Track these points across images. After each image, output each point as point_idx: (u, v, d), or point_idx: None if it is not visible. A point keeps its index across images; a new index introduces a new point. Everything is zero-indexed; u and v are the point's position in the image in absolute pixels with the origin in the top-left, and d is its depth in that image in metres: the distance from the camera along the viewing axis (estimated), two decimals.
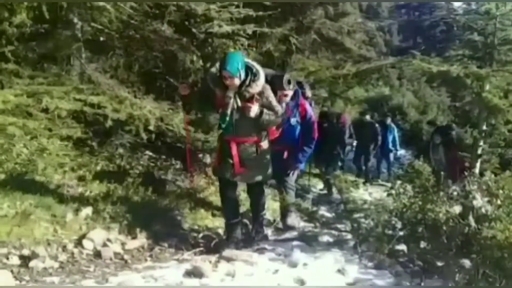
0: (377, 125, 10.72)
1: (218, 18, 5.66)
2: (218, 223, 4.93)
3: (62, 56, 5.13)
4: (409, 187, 3.99)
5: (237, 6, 5.59)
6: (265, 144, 4.19)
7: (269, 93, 4.02)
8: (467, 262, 3.48)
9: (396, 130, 11.58)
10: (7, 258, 3.16)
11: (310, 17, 9.47)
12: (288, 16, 8.70)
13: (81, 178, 4.74)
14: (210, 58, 6.65)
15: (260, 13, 6.12)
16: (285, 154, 4.95)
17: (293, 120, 4.85)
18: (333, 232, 4.59)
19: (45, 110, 4.46)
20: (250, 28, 6.01)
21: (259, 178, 4.25)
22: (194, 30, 5.81)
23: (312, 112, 5.06)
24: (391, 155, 11.35)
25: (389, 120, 11.55)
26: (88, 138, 5.26)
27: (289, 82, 4.42)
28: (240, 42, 6.79)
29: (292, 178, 5.04)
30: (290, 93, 4.64)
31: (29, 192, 4.01)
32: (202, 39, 6.02)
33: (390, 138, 11.19)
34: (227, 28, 5.67)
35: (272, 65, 9.12)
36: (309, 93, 5.20)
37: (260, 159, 4.17)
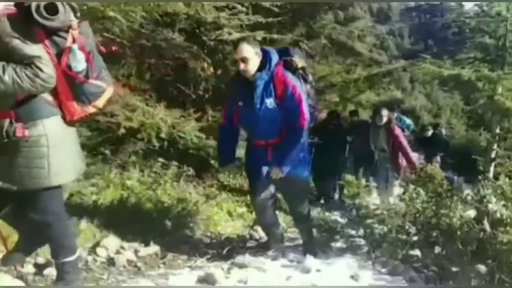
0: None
1: (228, 25, 5.70)
2: (230, 230, 4.94)
3: None
4: (422, 191, 3.97)
5: (247, 13, 5.63)
6: (29, 128, 2.42)
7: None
8: (482, 268, 3.43)
9: (406, 123, 10.08)
10: (22, 266, 3.19)
11: (320, 22, 9.49)
12: (298, 22, 8.73)
13: (94, 186, 4.79)
14: (220, 65, 6.70)
15: (270, 19, 6.15)
16: (269, 153, 3.69)
17: (269, 102, 3.49)
18: (346, 237, 4.56)
19: None
20: (259, 35, 6.04)
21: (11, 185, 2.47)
22: (204, 37, 5.88)
23: (300, 88, 3.57)
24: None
25: (395, 115, 9.74)
26: (101, 146, 5.32)
27: (50, 9, 2.34)
28: None
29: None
30: (245, 54, 3.41)
31: None
32: (213, 47, 6.08)
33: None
34: (236, 35, 5.71)
35: None
36: (301, 62, 3.76)
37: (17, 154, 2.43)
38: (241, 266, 3.63)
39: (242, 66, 3.48)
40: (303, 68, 3.75)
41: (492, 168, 4.55)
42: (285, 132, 3.59)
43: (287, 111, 3.53)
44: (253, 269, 3.58)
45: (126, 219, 4.25)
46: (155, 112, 5.05)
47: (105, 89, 2.64)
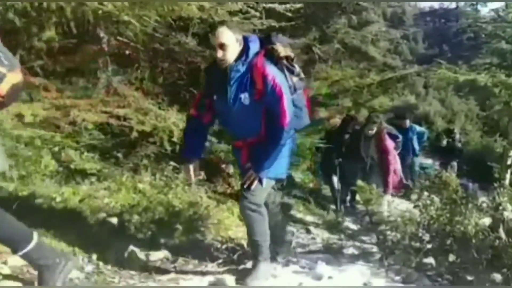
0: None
1: (241, 29, 5.69)
2: (241, 234, 4.91)
3: (89, 69, 5.27)
4: (436, 198, 3.91)
5: (260, 18, 5.62)
6: None
7: None
8: (497, 276, 3.37)
9: (416, 131, 9.55)
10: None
11: (333, 27, 9.48)
12: (311, 26, 8.73)
13: (106, 189, 4.81)
14: None
15: (283, 23, 6.13)
16: (243, 155, 3.32)
17: (243, 97, 3.06)
18: (359, 244, 4.51)
19: (73, 123, 4.57)
20: None
21: None
22: None
23: (282, 80, 3.10)
24: (416, 163, 9.61)
25: (407, 123, 9.32)
26: (114, 150, 5.35)
27: None
28: None
29: (254, 194, 3.17)
30: (224, 41, 3.01)
31: (56, 203, 4.09)
32: None
33: (414, 143, 9.35)
34: None
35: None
36: (284, 51, 3.21)
37: None
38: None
39: (220, 54, 3.04)
40: (288, 58, 3.23)
41: (508, 176, 4.48)
42: (264, 133, 3.16)
43: (269, 107, 3.09)
44: None
45: (138, 223, 4.26)
46: (167, 115, 5.07)
47: (5, 75, 2.41)
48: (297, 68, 3.30)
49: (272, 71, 3.07)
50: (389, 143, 6.49)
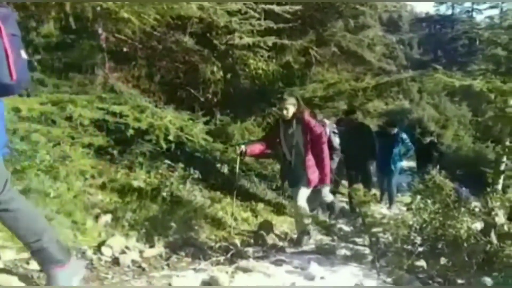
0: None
1: (239, 30, 5.75)
2: (234, 234, 4.93)
3: (86, 65, 5.26)
4: (429, 202, 3.95)
5: (258, 19, 5.66)
6: None
7: None
8: (488, 280, 3.41)
9: (404, 142, 8.77)
10: (28, 263, 3.20)
11: (330, 30, 9.54)
12: (308, 29, 8.78)
13: (101, 186, 4.80)
14: (230, 69, 6.74)
15: (281, 25, 6.18)
16: None
17: None
18: (351, 246, 4.54)
19: (69, 118, 4.56)
20: (270, 40, 6.07)
21: None
22: (215, 41, 5.92)
23: None
24: (395, 171, 8.73)
25: (395, 131, 8.71)
26: (109, 146, 5.33)
27: None
28: (260, 53, 6.87)
29: None
30: None
31: (51, 198, 4.07)
32: (223, 51, 6.12)
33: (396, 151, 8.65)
34: (247, 40, 5.76)
35: (292, 77, 9.21)
36: None
37: None
38: (245, 270, 3.62)
39: None
40: None
41: (501, 181, 4.54)
42: None
43: None
44: (257, 273, 3.57)
45: (131, 220, 4.26)
46: (163, 114, 5.08)
47: None
48: None
49: None
50: (318, 127, 5.10)
